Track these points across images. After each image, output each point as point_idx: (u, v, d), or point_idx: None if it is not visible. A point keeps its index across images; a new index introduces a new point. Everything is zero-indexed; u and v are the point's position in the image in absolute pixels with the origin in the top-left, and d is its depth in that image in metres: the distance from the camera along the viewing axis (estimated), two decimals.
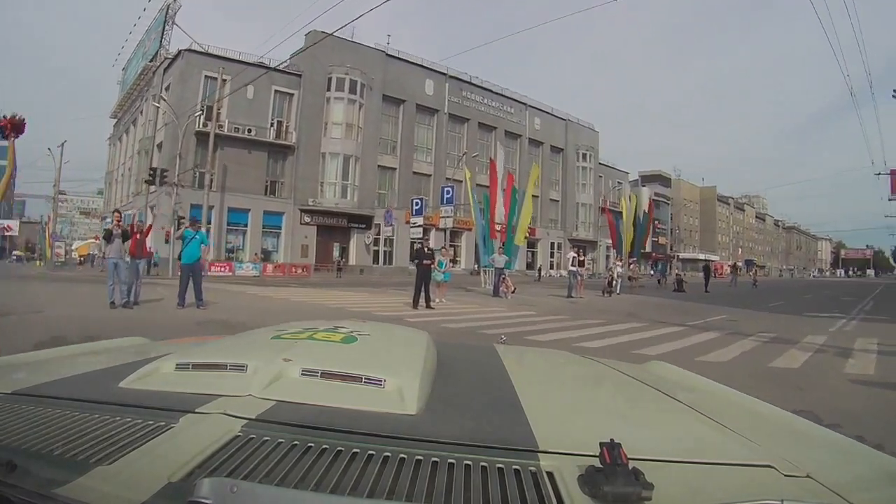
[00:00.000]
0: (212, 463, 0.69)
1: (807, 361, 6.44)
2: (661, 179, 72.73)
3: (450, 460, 0.72)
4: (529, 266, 43.88)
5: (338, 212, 33.64)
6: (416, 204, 24.10)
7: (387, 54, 36.95)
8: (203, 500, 0.52)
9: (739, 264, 44.16)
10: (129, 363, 1.18)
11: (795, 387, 5.03)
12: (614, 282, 21.18)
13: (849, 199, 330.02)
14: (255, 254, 31.39)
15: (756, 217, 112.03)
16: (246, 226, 31.87)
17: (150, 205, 27.73)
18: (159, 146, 31.90)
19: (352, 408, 0.88)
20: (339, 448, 0.74)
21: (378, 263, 34.59)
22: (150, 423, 0.81)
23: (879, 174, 43.50)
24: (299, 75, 33.02)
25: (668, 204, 71.44)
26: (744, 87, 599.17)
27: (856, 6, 16.15)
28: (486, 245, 22.11)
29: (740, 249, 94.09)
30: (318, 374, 0.99)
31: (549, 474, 0.70)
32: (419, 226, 23.27)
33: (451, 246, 35.85)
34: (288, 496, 0.60)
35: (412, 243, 29.78)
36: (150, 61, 34.87)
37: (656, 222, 65.09)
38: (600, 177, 53.60)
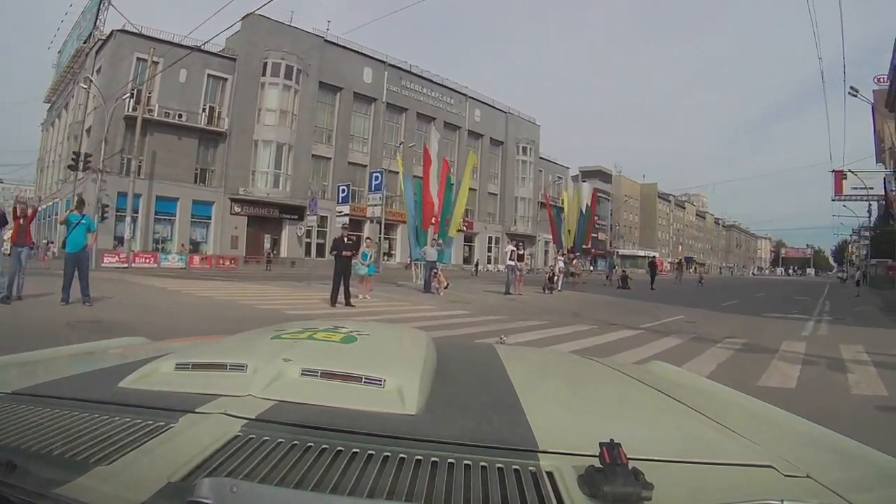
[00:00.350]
0: (212, 463, 0.71)
1: (801, 378, 5.85)
2: (602, 175, 76.40)
3: (450, 460, 0.74)
4: (466, 260, 46.15)
5: (269, 202, 34.24)
6: (343, 191, 24.00)
7: (325, 40, 37.47)
8: (203, 500, 0.54)
9: (684, 261, 46.99)
10: (129, 363, 1.20)
11: (807, 416, 4.34)
12: (556, 277, 20.98)
13: (791, 199, 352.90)
14: (183, 245, 31.78)
15: (696, 215, 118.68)
16: (174, 215, 32.18)
17: (77, 192, 27.41)
18: (88, 131, 32.00)
19: (352, 408, 0.90)
20: (339, 448, 0.76)
21: (310, 256, 34.09)
22: (150, 423, 0.83)
23: (834, 170, 48.03)
24: (234, 59, 33.45)
25: (609, 200, 75.18)
26: (689, 87, 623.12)
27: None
28: (418, 237, 21.96)
29: (680, 247, 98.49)
30: (318, 374, 1.02)
31: (549, 474, 0.72)
32: (345, 215, 22.27)
33: (385, 239, 37.12)
34: (288, 496, 0.63)
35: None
36: (84, 43, 34.67)
37: (596, 218, 68.86)
38: (540, 171, 56.35)
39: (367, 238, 17.63)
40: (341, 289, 11.78)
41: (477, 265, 42.66)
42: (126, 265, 25.51)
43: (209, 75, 33.18)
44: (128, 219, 26.68)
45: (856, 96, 27.37)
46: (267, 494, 0.60)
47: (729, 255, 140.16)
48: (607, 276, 32.56)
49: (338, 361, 1.08)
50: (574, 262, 26.13)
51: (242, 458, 0.73)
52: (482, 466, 0.73)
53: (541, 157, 56.95)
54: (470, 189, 24.92)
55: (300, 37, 35.85)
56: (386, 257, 37.70)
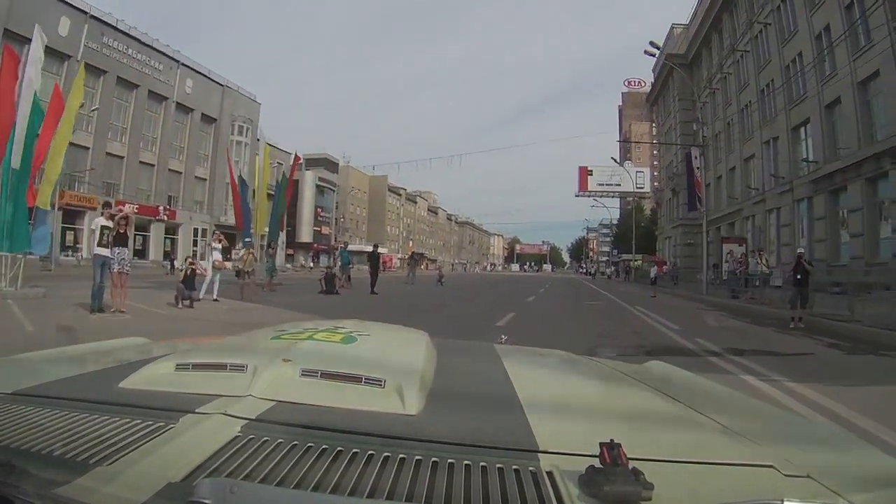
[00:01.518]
0: (212, 463, 0.79)
1: None
2: (328, 164, 79.42)
3: (450, 460, 0.83)
4: (167, 255, 43.91)
5: None
6: None
7: None
8: (203, 501, 0.60)
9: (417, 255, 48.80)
10: (129, 363, 1.34)
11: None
12: (204, 278, 14.93)
13: (530, 198, 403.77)
14: None
15: (429, 210, 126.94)
16: None
17: None
18: None
19: (352, 408, 1.01)
20: (339, 448, 0.85)
21: None
22: (150, 423, 0.92)
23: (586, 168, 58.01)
24: None
25: (334, 191, 78.87)
26: (432, 85, 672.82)
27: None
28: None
29: (411, 242, 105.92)
30: (318, 375, 1.12)
31: (549, 474, 0.80)
32: None
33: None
34: (288, 496, 0.71)
35: None
36: None
37: (319, 210, 73.41)
38: (258, 154, 56.20)
39: None
40: None
41: (173, 262, 39.56)
42: None
43: None
44: None
45: (654, 55, 37.20)
46: (267, 495, 0.68)
47: (462, 252, 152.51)
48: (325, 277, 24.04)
49: (338, 362, 1.21)
50: (245, 254, 18.61)
51: (242, 459, 0.81)
52: (482, 466, 0.81)
53: (260, 140, 56.86)
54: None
55: None
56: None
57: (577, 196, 68.34)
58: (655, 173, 74.86)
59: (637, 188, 67.22)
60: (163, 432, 0.89)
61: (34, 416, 0.98)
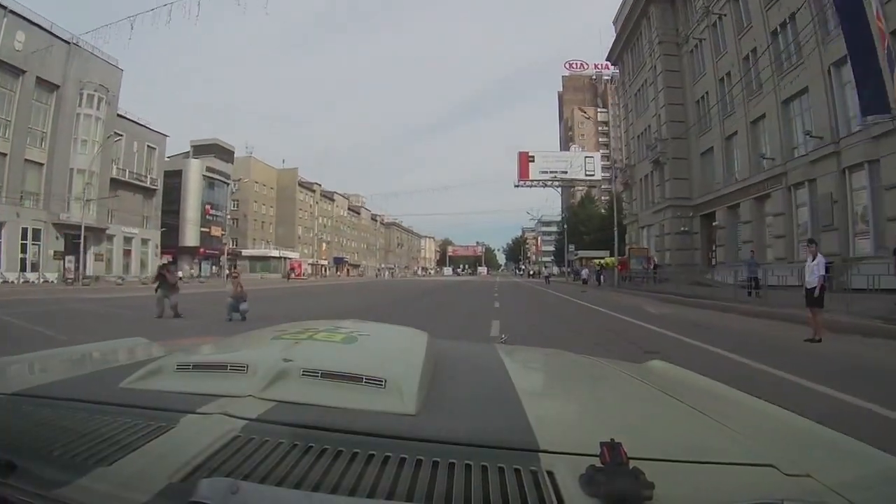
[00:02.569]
0: (212, 463, 0.81)
1: None
2: (221, 152, 70.64)
3: (450, 460, 0.84)
4: None
5: None
6: None
7: None
8: (204, 501, 0.62)
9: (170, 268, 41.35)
10: (130, 363, 1.42)
11: None
12: None
13: (462, 197, 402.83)
14: None
15: (350, 210, 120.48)
16: None
17: None
18: None
19: (352, 408, 1.04)
20: (340, 448, 0.87)
21: None
22: (151, 423, 0.95)
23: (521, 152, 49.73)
24: None
25: (228, 184, 70.19)
26: (360, 87, 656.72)
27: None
28: None
29: (325, 244, 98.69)
30: (319, 375, 1.16)
31: (550, 474, 0.81)
32: None
33: None
34: (288, 497, 0.72)
35: None
36: None
37: (208, 206, 63.51)
38: (119, 136, 47.76)
39: None
40: None
41: None
42: None
43: None
44: None
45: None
46: (268, 495, 0.70)
47: (389, 256, 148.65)
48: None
49: (338, 362, 1.24)
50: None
51: (243, 459, 0.83)
52: (483, 466, 0.83)
53: (121, 115, 48.31)
54: None
55: None
56: None
57: (516, 186, 61.39)
58: (605, 162, 67.97)
59: (587, 174, 58.10)
60: (163, 432, 0.93)
61: (34, 416, 1.03)
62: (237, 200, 73.89)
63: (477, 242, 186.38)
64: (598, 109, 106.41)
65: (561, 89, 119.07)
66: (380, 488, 0.77)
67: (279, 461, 0.83)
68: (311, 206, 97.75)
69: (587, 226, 64.13)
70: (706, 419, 1.18)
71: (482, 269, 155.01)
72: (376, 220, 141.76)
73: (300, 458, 0.84)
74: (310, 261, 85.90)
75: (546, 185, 61.58)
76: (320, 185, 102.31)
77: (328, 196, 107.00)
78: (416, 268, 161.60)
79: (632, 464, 0.76)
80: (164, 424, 0.94)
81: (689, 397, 1.39)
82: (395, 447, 0.88)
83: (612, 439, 0.80)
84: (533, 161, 60.90)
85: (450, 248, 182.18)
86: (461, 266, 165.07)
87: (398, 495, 0.75)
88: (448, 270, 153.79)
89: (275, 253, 78.16)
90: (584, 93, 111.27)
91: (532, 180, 60.59)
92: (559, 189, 64.95)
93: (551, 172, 60.91)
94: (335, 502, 0.74)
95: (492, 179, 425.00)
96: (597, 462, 0.77)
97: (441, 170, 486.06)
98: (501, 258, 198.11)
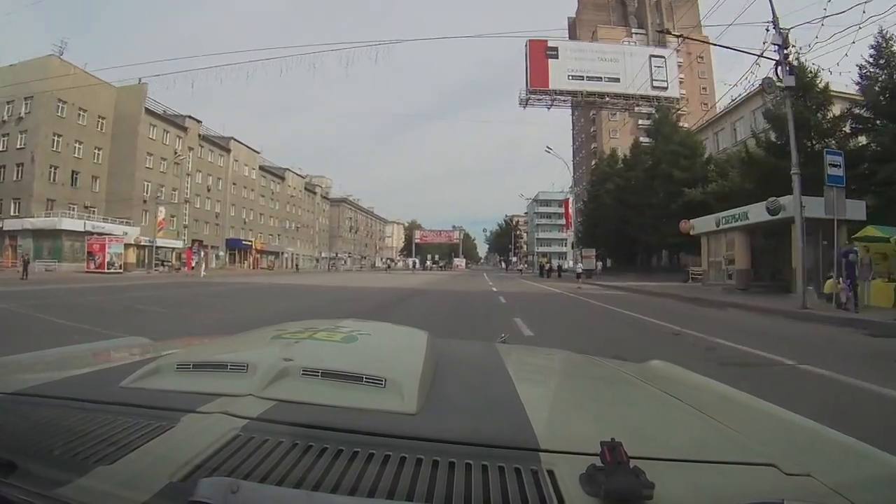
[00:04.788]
0: (213, 463, 0.82)
1: None
2: None
3: (450, 459, 0.85)
4: None
5: None
6: None
7: None
8: (204, 501, 0.63)
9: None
10: (130, 363, 1.43)
11: None
12: None
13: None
14: None
15: (262, 171, 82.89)
16: None
17: None
18: None
19: (352, 407, 1.05)
20: (340, 448, 0.88)
21: None
22: (151, 423, 0.96)
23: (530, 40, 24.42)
24: None
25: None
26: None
27: None
28: None
29: (165, 214, 55.48)
30: (319, 374, 1.17)
31: (550, 473, 0.83)
32: None
33: None
34: (289, 496, 0.73)
35: None
36: None
37: None
38: None
39: None
40: None
41: None
42: None
43: None
44: None
45: None
46: (268, 494, 0.70)
47: (338, 242, 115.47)
48: None
49: (338, 361, 1.25)
50: None
51: (243, 459, 0.84)
52: (483, 465, 0.84)
53: None
54: None
55: None
56: None
57: (526, 99, 29.33)
58: (680, 60, 36.52)
59: (655, 86, 28.41)
60: (164, 432, 0.94)
61: (34, 415, 1.04)
62: (25, 131, 44.67)
63: (453, 227, 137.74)
64: (634, 30, 74.30)
65: (574, 13, 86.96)
66: (380, 487, 0.77)
67: (279, 460, 0.84)
68: (178, 153, 61.23)
69: (688, 167, 33.75)
70: (707, 419, 1.19)
71: (459, 262, 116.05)
72: (313, 192, 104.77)
73: (300, 458, 0.85)
74: (146, 239, 52.25)
75: (578, 102, 31.79)
76: (200, 122, 65.57)
77: (220, 145, 69.82)
78: (377, 258, 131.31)
79: (632, 463, 0.77)
80: (164, 424, 0.95)
81: (690, 397, 1.39)
82: (395, 446, 0.89)
83: (612, 439, 0.81)
84: (555, 57, 31.56)
85: (417, 234, 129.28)
86: (432, 257, 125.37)
87: (398, 494, 0.76)
88: (413, 262, 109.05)
89: (79, 227, 46.74)
90: (607, 12, 79.51)
91: (552, 92, 31.24)
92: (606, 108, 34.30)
93: (588, 77, 31.51)
94: (336, 501, 0.75)
95: (482, 172, 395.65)
96: (597, 461, 0.78)
97: (423, 161, 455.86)
98: (485, 249, 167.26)
